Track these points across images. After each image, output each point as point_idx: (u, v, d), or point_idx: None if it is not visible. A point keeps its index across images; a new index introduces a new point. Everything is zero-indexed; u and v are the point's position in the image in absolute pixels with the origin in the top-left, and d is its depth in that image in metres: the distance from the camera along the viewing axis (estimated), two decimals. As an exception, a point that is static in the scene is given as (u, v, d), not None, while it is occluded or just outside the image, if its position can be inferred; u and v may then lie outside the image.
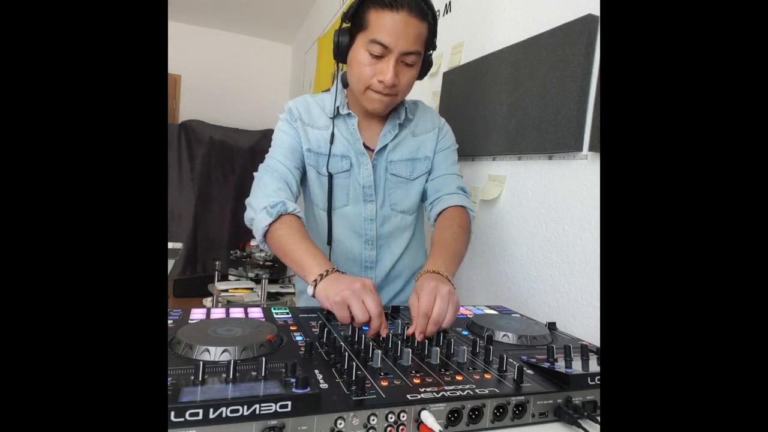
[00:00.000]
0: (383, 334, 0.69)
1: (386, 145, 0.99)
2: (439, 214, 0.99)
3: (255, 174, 0.97)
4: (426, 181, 1.05)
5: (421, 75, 0.95)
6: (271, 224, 0.85)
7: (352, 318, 0.70)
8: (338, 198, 0.99)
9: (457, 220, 0.96)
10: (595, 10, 0.94)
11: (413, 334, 0.68)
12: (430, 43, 0.91)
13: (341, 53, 0.92)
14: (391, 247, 1.03)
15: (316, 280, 0.76)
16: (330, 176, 0.97)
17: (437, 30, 0.92)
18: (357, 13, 0.88)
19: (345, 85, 1.00)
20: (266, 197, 0.88)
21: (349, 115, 0.98)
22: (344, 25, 0.91)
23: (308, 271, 0.78)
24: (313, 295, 0.76)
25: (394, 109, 1.00)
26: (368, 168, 0.98)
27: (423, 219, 1.12)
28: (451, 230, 0.93)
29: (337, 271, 0.78)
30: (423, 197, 1.06)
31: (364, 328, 0.73)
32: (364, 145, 0.99)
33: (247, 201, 0.93)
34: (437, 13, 1.63)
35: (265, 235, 0.87)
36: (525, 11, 1.17)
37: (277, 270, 3.27)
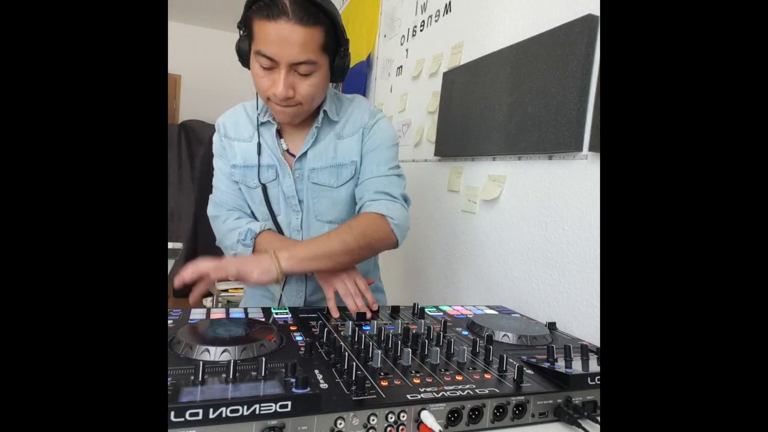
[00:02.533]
0: (362, 308, 0.81)
1: (306, 153, 0.93)
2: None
3: (209, 212, 1.00)
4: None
5: (336, 77, 0.88)
6: (253, 251, 0.91)
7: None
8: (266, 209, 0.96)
9: (355, 221, 0.88)
10: (595, 10, 0.94)
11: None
12: (330, 46, 0.83)
13: (244, 62, 0.87)
14: None
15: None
16: (264, 186, 0.93)
17: (341, 28, 0.84)
18: (245, 21, 0.82)
19: None
20: (231, 232, 0.95)
21: (268, 122, 0.94)
22: (241, 32, 0.85)
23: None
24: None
25: (313, 114, 0.94)
26: (290, 177, 0.93)
27: None
28: (335, 229, 0.88)
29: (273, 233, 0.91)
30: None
31: (365, 328, 0.74)
32: (288, 152, 0.95)
33: (218, 243, 0.99)
34: (437, 13, 1.64)
35: None
36: (525, 11, 1.17)
37: (277, 270, 3.27)
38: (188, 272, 0.77)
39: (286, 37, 0.76)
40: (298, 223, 0.96)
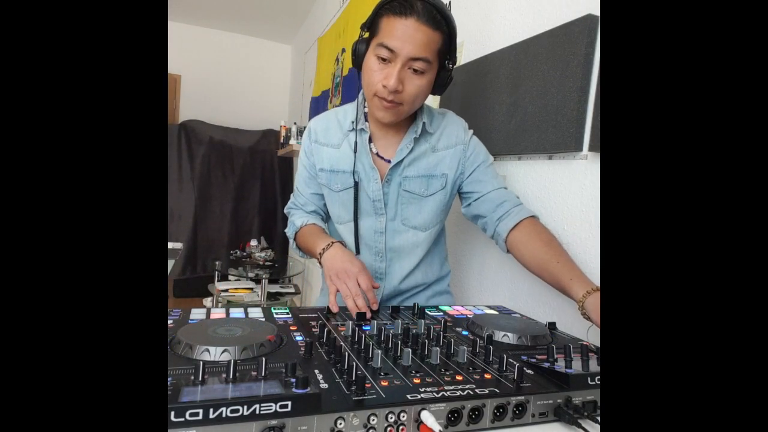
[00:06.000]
0: (362, 308, 0.81)
1: (402, 160, 0.98)
2: (514, 227, 0.94)
3: (285, 209, 1.15)
4: (471, 200, 1.02)
5: (437, 89, 0.94)
6: (296, 242, 1.06)
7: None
8: (349, 211, 1.02)
9: (549, 234, 0.93)
10: (595, 10, 0.94)
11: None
12: (443, 54, 0.90)
13: (358, 61, 0.93)
14: (402, 261, 1.04)
15: (320, 253, 0.92)
16: (356, 184, 0.99)
17: (455, 42, 0.90)
18: (372, 21, 0.90)
19: None
20: (289, 225, 1.09)
21: (362, 130, 0.99)
22: (363, 34, 0.92)
23: (314, 252, 0.95)
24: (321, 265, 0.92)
25: (413, 122, 1.00)
26: (377, 182, 0.98)
27: (444, 235, 1.12)
28: (557, 243, 0.91)
29: (339, 243, 0.93)
30: (475, 218, 1.04)
31: (365, 328, 0.74)
32: (379, 155, 0.99)
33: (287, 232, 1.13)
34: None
35: (300, 250, 1.07)
36: (525, 11, 1.17)
37: (277, 270, 3.28)
38: None
39: (411, 33, 0.84)
40: (381, 226, 1.02)
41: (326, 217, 1.11)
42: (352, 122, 0.99)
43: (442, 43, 0.88)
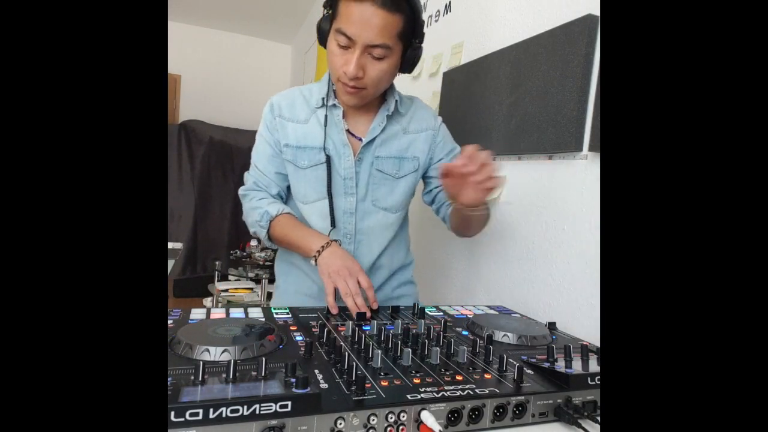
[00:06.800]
0: (362, 308, 0.80)
1: (374, 139, 0.96)
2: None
3: (240, 190, 1.03)
4: (432, 186, 1.04)
5: (405, 68, 0.92)
6: (268, 232, 0.96)
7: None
8: (318, 190, 0.97)
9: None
10: (595, 10, 0.94)
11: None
12: (407, 35, 0.86)
13: (322, 40, 0.91)
14: (371, 244, 1.00)
15: (315, 256, 0.88)
16: (328, 159, 0.95)
17: (420, 20, 0.88)
18: (332, 2, 0.87)
19: None
20: (253, 210, 0.98)
21: (334, 106, 0.96)
22: (326, 12, 0.89)
23: (307, 249, 0.90)
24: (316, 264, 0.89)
25: (384, 101, 0.98)
26: (350, 159, 0.96)
27: (407, 223, 1.11)
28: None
29: (335, 242, 0.90)
30: (432, 202, 1.06)
31: (365, 328, 0.74)
32: (351, 133, 0.97)
33: (243, 219, 1.03)
34: (437, 13, 1.64)
35: (271, 241, 0.99)
36: (525, 11, 1.17)
37: (277, 270, 3.28)
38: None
39: (367, 18, 0.80)
40: (351, 206, 0.98)
41: (285, 199, 1.05)
42: (322, 99, 0.96)
43: (404, 25, 0.84)
